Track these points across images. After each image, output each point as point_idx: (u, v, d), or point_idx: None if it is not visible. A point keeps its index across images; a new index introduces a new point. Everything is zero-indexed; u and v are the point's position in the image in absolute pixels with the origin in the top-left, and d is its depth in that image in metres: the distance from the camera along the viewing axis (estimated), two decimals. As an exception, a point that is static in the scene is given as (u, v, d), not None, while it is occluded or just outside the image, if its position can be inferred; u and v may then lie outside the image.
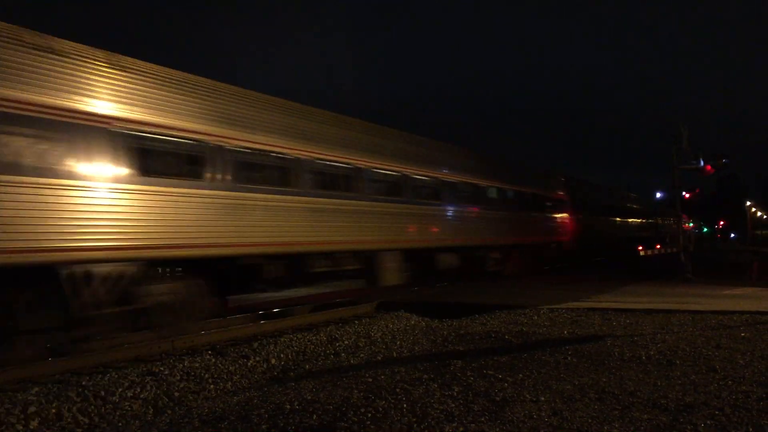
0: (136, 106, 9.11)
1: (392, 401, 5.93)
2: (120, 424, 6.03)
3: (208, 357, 8.50)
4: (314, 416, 5.60)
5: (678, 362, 7.27)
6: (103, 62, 9.01)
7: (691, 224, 53.60)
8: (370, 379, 6.88)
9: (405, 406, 5.78)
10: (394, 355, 8.44)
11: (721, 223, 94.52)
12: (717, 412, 5.34)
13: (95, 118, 8.53)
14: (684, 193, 23.74)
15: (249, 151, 10.77)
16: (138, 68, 9.57)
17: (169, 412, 6.28)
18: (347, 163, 13.32)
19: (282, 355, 8.80)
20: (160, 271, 9.51)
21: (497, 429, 5.08)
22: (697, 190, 24.78)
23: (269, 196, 11.02)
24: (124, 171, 8.78)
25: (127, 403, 6.57)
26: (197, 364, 8.08)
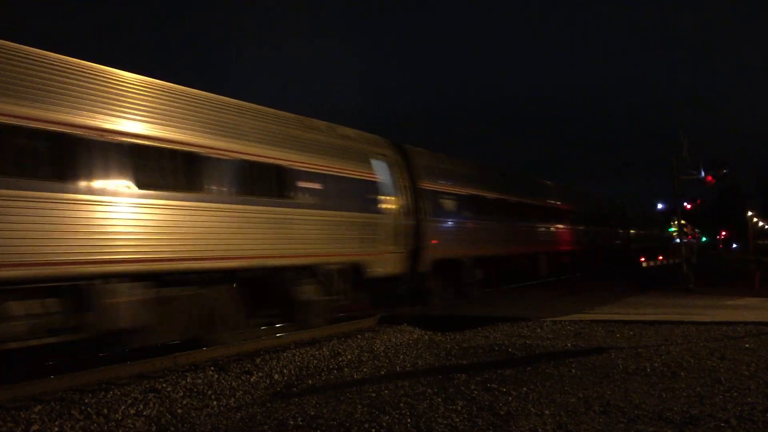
0: None
1: (396, 416, 5.91)
2: (123, 441, 6.01)
3: (210, 373, 8.48)
4: (318, 432, 5.58)
5: (683, 374, 7.25)
6: None
7: (674, 231, 50.70)
8: (374, 394, 6.85)
9: (409, 421, 5.76)
10: (398, 369, 8.41)
11: (724, 233, 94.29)
12: (723, 424, 5.31)
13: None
14: (685, 204, 23.75)
15: None
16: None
17: (172, 429, 6.24)
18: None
19: (285, 371, 8.76)
20: None
21: (502, 443, 5.06)
22: (698, 201, 24.77)
23: None
24: None
25: (130, 421, 6.54)
26: (200, 380, 8.05)
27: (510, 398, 6.40)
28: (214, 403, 7.23)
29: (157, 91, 9.83)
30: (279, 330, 12.29)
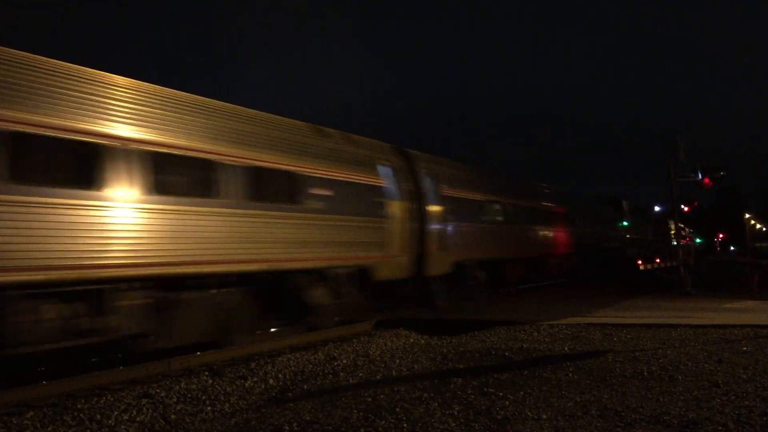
0: None
1: (392, 421, 5.86)
2: (115, 448, 5.94)
3: (204, 378, 8.42)
4: (312, 438, 5.52)
5: (680, 377, 7.21)
6: None
7: (626, 225, 41.54)
8: (370, 399, 6.80)
9: (405, 425, 5.71)
10: (394, 373, 8.36)
11: (721, 235, 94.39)
12: (720, 428, 5.28)
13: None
14: (683, 206, 23.73)
15: None
16: None
17: (166, 435, 6.20)
18: None
19: (280, 375, 8.71)
20: None
21: (498, 448, 5.01)
22: (695, 203, 24.72)
23: None
24: None
25: (123, 427, 6.48)
26: (194, 386, 7.99)
27: (507, 402, 6.35)
28: (209, 408, 7.17)
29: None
30: (274, 334, 12.19)
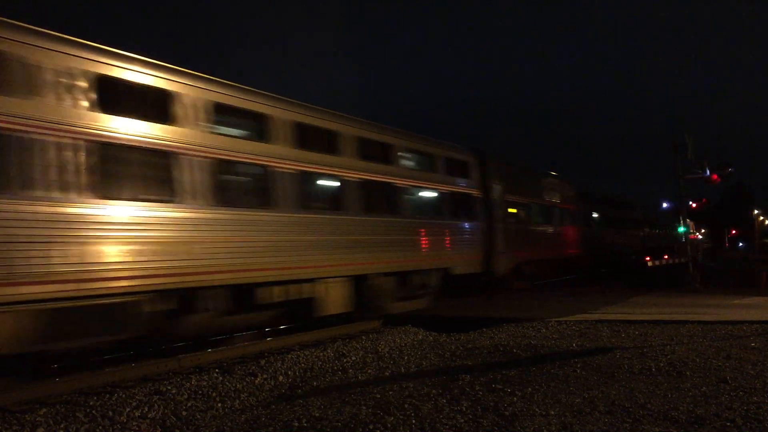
0: None
1: (401, 417, 5.90)
2: (128, 444, 6.01)
3: (215, 375, 8.49)
4: (322, 433, 5.57)
5: (688, 374, 7.21)
6: None
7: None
8: (379, 395, 6.85)
9: (414, 422, 5.75)
10: (402, 370, 8.41)
11: (733, 231, 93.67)
12: (728, 424, 5.29)
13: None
14: (691, 203, 23.63)
15: None
16: None
17: (177, 431, 6.26)
18: None
19: (289, 372, 8.77)
20: None
21: (507, 444, 5.04)
22: (704, 200, 24.57)
23: None
24: None
25: (134, 423, 6.56)
26: (204, 383, 8.06)
27: (515, 399, 6.38)
28: (219, 405, 7.25)
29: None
30: (283, 331, 12.29)
